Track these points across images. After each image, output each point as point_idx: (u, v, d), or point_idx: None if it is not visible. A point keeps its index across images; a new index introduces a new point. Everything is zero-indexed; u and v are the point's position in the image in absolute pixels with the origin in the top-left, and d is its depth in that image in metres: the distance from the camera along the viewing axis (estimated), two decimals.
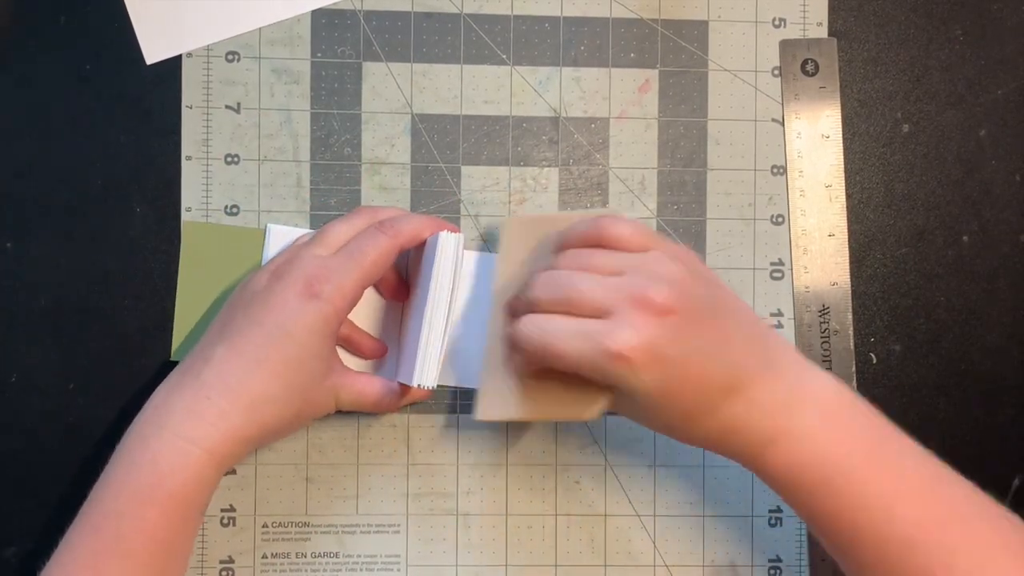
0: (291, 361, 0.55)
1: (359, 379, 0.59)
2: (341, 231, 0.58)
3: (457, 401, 0.64)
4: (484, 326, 0.60)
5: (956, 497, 0.51)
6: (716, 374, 0.51)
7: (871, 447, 0.52)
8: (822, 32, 0.66)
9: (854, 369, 0.65)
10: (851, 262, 0.65)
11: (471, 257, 0.63)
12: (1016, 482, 0.65)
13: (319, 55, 0.64)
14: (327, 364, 0.57)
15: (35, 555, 0.62)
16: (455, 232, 0.59)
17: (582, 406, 0.54)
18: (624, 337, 0.49)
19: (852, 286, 0.65)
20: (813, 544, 0.65)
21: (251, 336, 0.54)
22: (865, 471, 0.51)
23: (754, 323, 0.54)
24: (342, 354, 0.61)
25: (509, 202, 0.64)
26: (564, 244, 0.56)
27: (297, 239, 0.61)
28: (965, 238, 0.66)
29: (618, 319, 0.50)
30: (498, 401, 0.57)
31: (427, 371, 0.58)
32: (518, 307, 0.55)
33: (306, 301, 0.55)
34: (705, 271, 0.55)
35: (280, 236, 0.63)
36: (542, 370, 0.54)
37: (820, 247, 0.65)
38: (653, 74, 0.65)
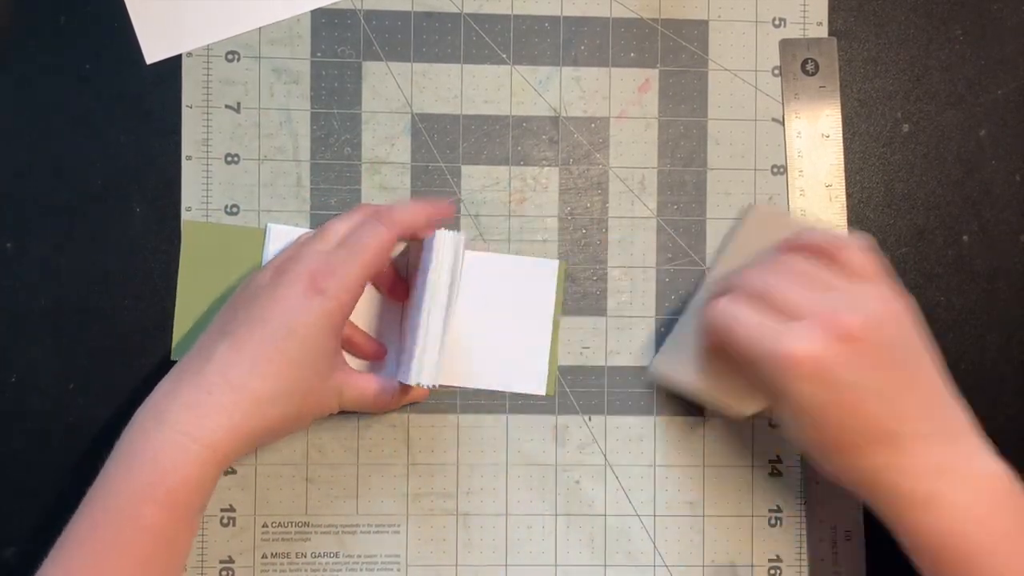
0: (295, 359, 0.54)
1: (361, 377, 0.59)
2: (341, 227, 0.58)
3: (457, 401, 0.64)
4: (484, 325, 0.62)
5: None
6: (877, 416, 0.51)
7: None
8: (822, 32, 0.66)
9: None
10: None
11: (472, 257, 0.63)
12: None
13: (319, 55, 0.64)
14: (331, 362, 0.57)
15: (35, 555, 0.62)
16: (453, 231, 0.58)
17: (739, 401, 0.58)
18: (799, 342, 0.51)
19: None
20: (813, 544, 0.65)
21: (255, 333, 0.54)
22: (1009, 559, 0.50)
23: (941, 391, 0.53)
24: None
25: (509, 202, 0.64)
26: (795, 246, 0.57)
27: (298, 238, 0.61)
28: (965, 238, 0.66)
29: (801, 325, 0.51)
30: (673, 362, 0.61)
31: (426, 370, 0.57)
32: (724, 287, 0.57)
33: (310, 297, 0.54)
34: (912, 324, 0.54)
35: (281, 236, 0.63)
36: (720, 354, 0.57)
37: None
38: (653, 74, 0.65)
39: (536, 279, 0.64)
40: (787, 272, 0.55)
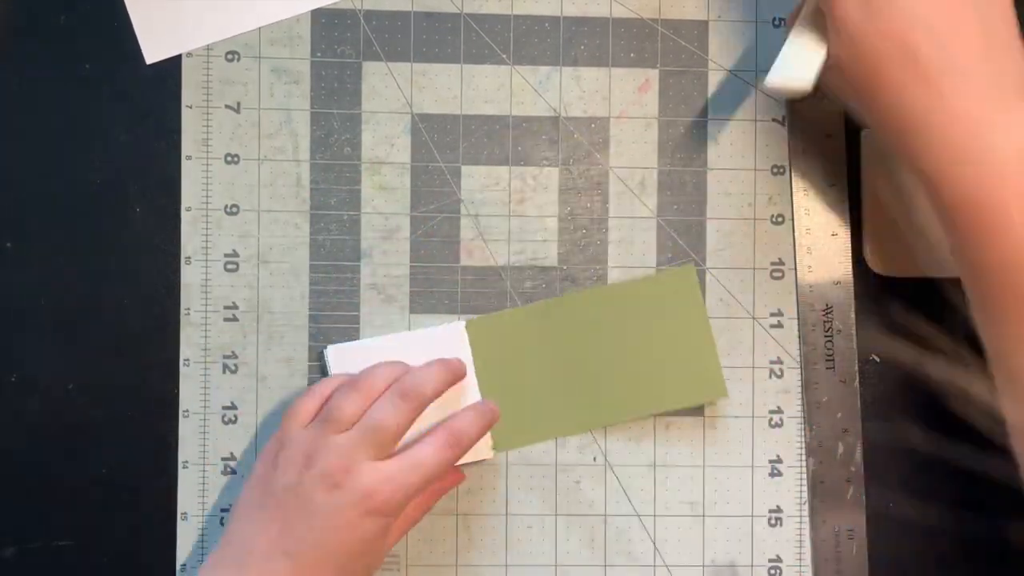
0: (368, 567, 0.57)
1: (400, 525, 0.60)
2: (390, 422, 0.56)
3: None
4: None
5: None
6: (924, 48, 0.46)
7: None
8: None
9: (856, 368, 0.65)
10: (853, 261, 0.65)
11: (380, 343, 0.63)
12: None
13: (319, 55, 0.64)
14: (388, 545, 0.58)
15: (35, 555, 0.62)
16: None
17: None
18: None
19: (853, 286, 0.65)
20: (815, 545, 0.64)
21: (319, 559, 0.54)
22: None
23: (1004, 33, 0.47)
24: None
25: (509, 201, 0.64)
26: None
27: (335, 389, 0.60)
28: None
29: None
30: (795, 65, 0.55)
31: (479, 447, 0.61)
32: None
33: (371, 519, 0.55)
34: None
35: (342, 355, 0.62)
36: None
37: (823, 246, 0.65)
38: (653, 74, 0.65)
39: (446, 343, 0.63)
40: None
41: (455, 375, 0.60)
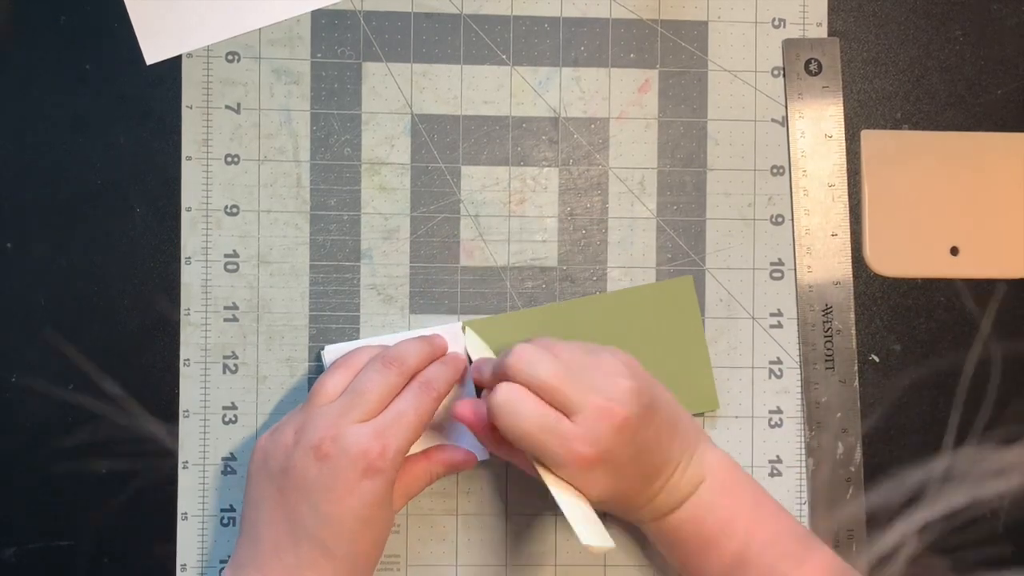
0: (375, 540, 0.56)
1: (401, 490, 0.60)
2: (371, 386, 0.57)
3: None
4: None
5: (800, 538, 0.59)
6: (652, 466, 0.57)
7: (750, 508, 0.59)
8: (822, 32, 0.66)
9: (856, 368, 0.65)
10: (852, 262, 0.65)
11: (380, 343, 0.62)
12: None
13: (319, 55, 0.64)
14: (392, 510, 0.58)
15: (35, 555, 0.62)
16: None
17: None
18: (583, 447, 0.54)
19: (853, 286, 0.65)
20: None
21: (332, 534, 0.54)
22: (746, 524, 0.58)
23: (676, 410, 0.59)
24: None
25: (509, 202, 0.64)
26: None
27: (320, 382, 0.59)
28: None
29: (583, 427, 0.54)
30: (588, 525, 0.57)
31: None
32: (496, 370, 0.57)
33: (372, 479, 0.54)
34: (650, 378, 0.58)
35: (336, 356, 0.61)
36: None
37: (823, 246, 0.65)
38: (653, 74, 0.65)
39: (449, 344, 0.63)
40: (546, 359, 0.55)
41: (437, 349, 0.60)
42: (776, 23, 0.66)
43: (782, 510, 0.59)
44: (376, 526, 0.56)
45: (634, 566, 0.64)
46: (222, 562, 0.63)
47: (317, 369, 0.63)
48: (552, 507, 0.64)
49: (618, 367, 0.55)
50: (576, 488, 0.56)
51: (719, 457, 0.59)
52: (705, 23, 0.66)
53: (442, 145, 0.64)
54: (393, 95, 0.64)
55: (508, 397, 0.54)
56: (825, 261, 0.65)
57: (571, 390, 0.54)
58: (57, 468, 0.62)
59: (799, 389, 0.65)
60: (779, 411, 0.65)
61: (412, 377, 0.58)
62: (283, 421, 0.58)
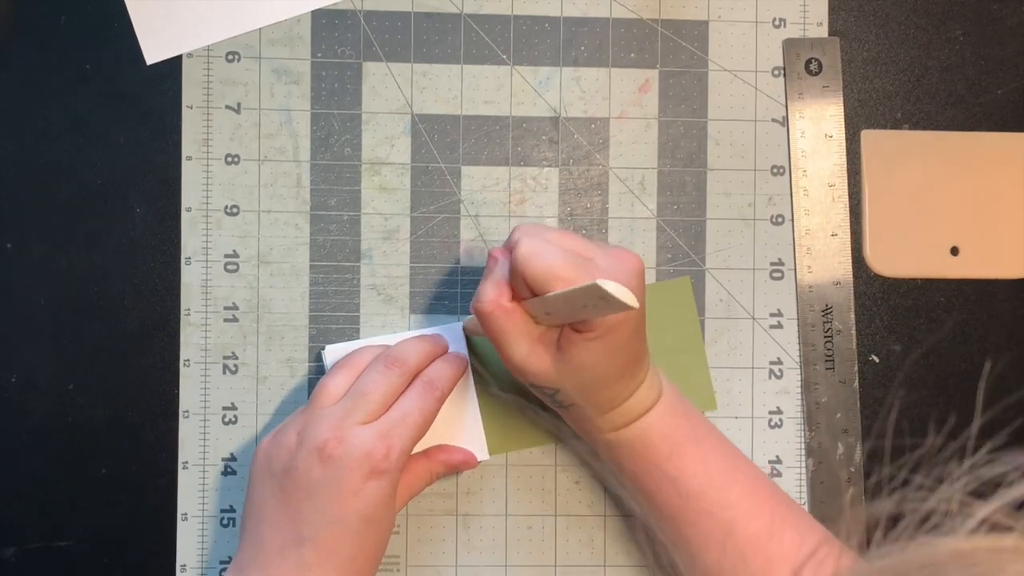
0: (378, 541, 0.56)
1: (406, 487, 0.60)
2: (373, 387, 0.57)
3: None
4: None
5: (743, 469, 0.59)
6: (636, 356, 0.55)
7: (697, 433, 0.58)
8: (822, 32, 0.66)
9: (856, 369, 0.65)
10: (852, 262, 0.65)
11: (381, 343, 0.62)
12: None
13: (319, 55, 0.64)
14: (395, 510, 0.57)
15: (35, 555, 0.62)
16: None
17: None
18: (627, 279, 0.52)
19: (853, 286, 0.65)
20: None
21: (336, 535, 0.54)
22: (692, 447, 0.58)
23: None
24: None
25: (509, 202, 0.64)
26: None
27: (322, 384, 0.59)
28: None
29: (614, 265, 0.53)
30: None
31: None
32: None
33: (377, 479, 0.54)
34: None
35: (337, 356, 0.61)
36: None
37: (823, 247, 0.65)
38: (653, 74, 0.65)
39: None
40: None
41: (438, 348, 0.60)
42: (776, 23, 0.66)
43: (724, 440, 0.60)
44: (380, 526, 0.56)
45: (634, 566, 0.64)
46: (222, 562, 0.63)
47: (317, 369, 0.63)
48: (552, 508, 0.64)
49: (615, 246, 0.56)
50: (572, 355, 0.54)
51: (668, 382, 0.59)
52: (705, 23, 0.66)
53: (442, 145, 0.64)
54: (393, 95, 0.64)
55: (532, 245, 0.52)
56: (825, 261, 0.65)
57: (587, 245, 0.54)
58: (57, 468, 0.62)
59: (799, 389, 0.65)
60: (779, 411, 0.65)
61: (414, 376, 0.58)
62: (285, 423, 0.58)
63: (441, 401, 0.58)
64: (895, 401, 0.65)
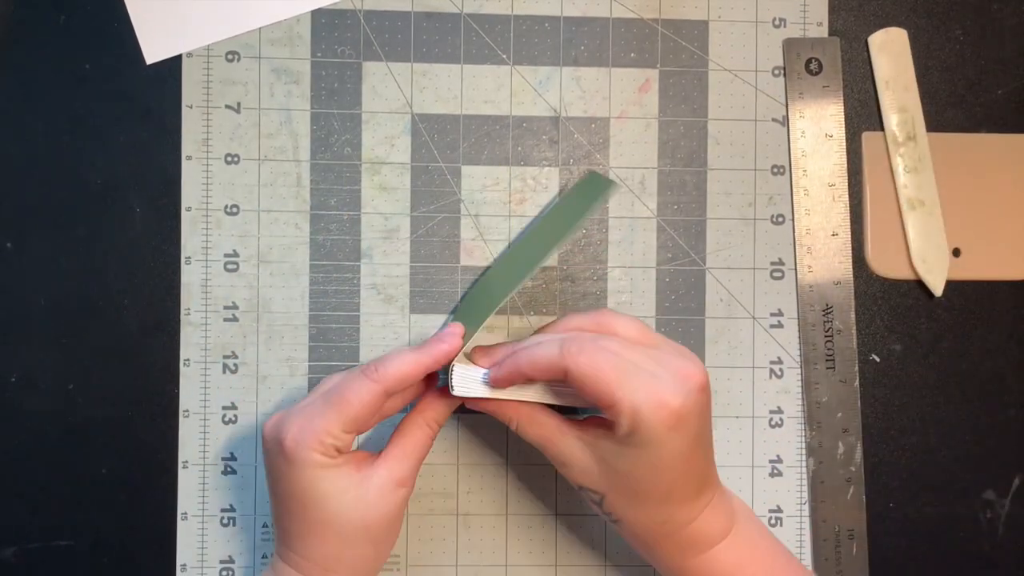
0: (324, 518, 0.54)
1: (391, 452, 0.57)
2: (344, 387, 0.55)
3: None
4: None
5: None
6: (703, 471, 0.54)
7: (776, 549, 0.57)
8: (822, 32, 0.66)
9: (857, 369, 0.65)
10: (853, 262, 0.65)
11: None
12: (1016, 481, 0.65)
13: (319, 55, 0.64)
14: (356, 490, 0.55)
15: (35, 555, 0.62)
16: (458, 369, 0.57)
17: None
18: (671, 392, 0.50)
19: (854, 286, 0.65)
20: (815, 545, 0.64)
21: (280, 509, 0.56)
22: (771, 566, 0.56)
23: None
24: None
25: (509, 202, 0.64)
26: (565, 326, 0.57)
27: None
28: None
29: (667, 375, 0.51)
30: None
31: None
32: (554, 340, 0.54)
33: (291, 462, 0.54)
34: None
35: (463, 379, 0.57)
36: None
37: (823, 246, 0.65)
38: (653, 74, 0.65)
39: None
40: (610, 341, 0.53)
41: (434, 360, 0.55)
42: (777, 22, 0.66)
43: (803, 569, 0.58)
44: (331, 515, 0.54)
45: (634, 566, 0.64)
46: (222, 562, 0.63)
47: (317, 369, 0.63)
48: (552, 508, 0.64)
49: (673, 351, 0.54)
50: (610, 460, 0.53)
51: (741, 503, 0.58)
52: (705, 22, 0.66)
53: (442, 145, 0.64)
54: (393, 94, 0.64)
55: (583, 343, 0.51)
56: (825, 261, 0.65)
57: (638, 357, 0.52)
58: (57, 468, 0.62)
59: (799, 389, 0.65)
60: (779, 411, 0.65)
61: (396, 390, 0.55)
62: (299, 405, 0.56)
63: (381, 389, 0.53)
64: (895, 401, 0.65)
